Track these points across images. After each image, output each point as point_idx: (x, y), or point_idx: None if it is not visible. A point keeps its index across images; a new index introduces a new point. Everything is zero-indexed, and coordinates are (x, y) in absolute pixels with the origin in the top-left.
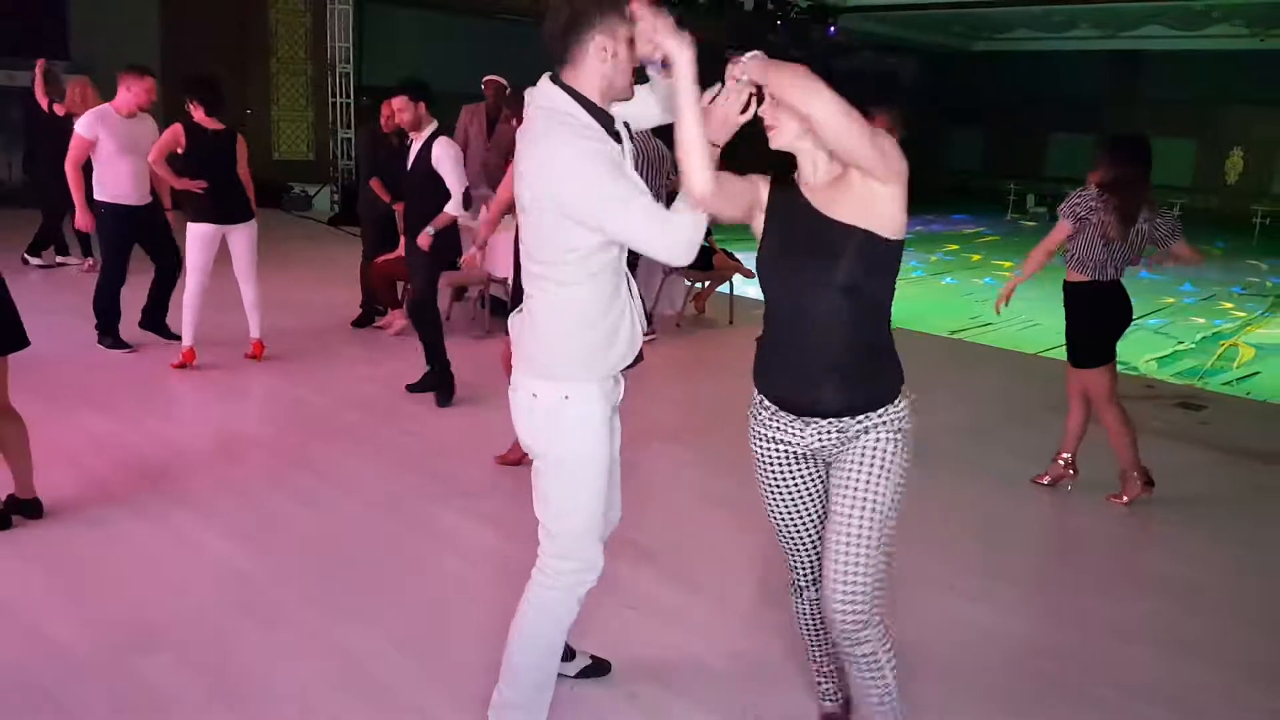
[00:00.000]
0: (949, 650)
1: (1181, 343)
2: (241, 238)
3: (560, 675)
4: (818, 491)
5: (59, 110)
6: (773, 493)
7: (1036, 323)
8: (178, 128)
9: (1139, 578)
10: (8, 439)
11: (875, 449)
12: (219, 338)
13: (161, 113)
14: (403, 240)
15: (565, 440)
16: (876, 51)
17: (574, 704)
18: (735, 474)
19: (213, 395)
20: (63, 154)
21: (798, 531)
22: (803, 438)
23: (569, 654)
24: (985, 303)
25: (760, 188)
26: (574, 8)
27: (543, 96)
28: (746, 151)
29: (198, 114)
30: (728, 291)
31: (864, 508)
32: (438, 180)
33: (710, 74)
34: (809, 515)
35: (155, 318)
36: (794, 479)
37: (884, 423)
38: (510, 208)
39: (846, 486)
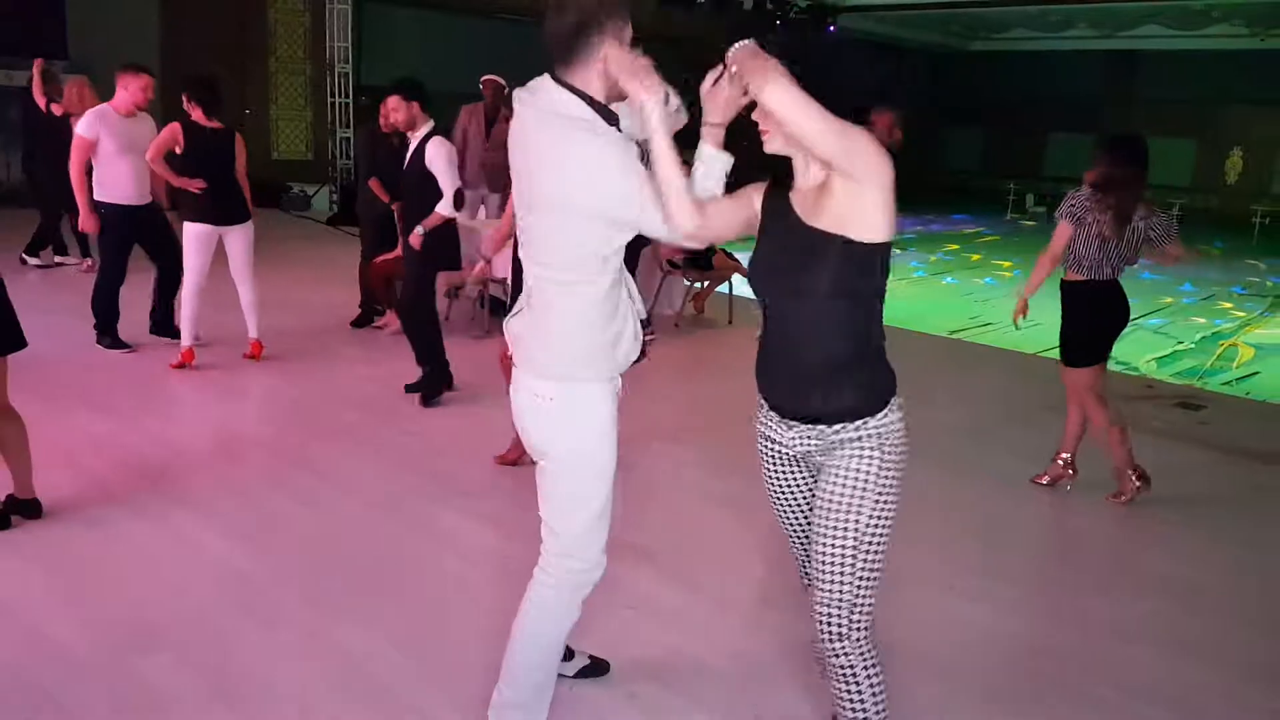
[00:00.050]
0: (948, 650)
1: (1181, 343)
2: (239, 238)
3: (559, 675)
4: (806, 495)
5: (56, 110)
6: (769, 491)
7: (1036, 323)
8: (176, 127)
9: (1138, 577)
10: (7, 439)
11: (856, 463)
12: (218, 338)
13: (160, 112)
14: (401, 240)
15: (575, 440)
16: (853, 47)
17: (573, 704)
18: (735, 474)
19: (212, 395)
20: (61, 154)
21: (792, 531)
22: (789, 440)
23: (568, 654)
24: (985, 303)
25: (755, 199)
26: (583, 10)
27: (549, 99)
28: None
29: (196, 114)
30: (727, 291)
31: (842, 526)
32: (433, 180)
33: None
34: (800, 516)
35: (163, 321)
36: (785, 479)
37: (866, 435)
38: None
39: (826, 503)
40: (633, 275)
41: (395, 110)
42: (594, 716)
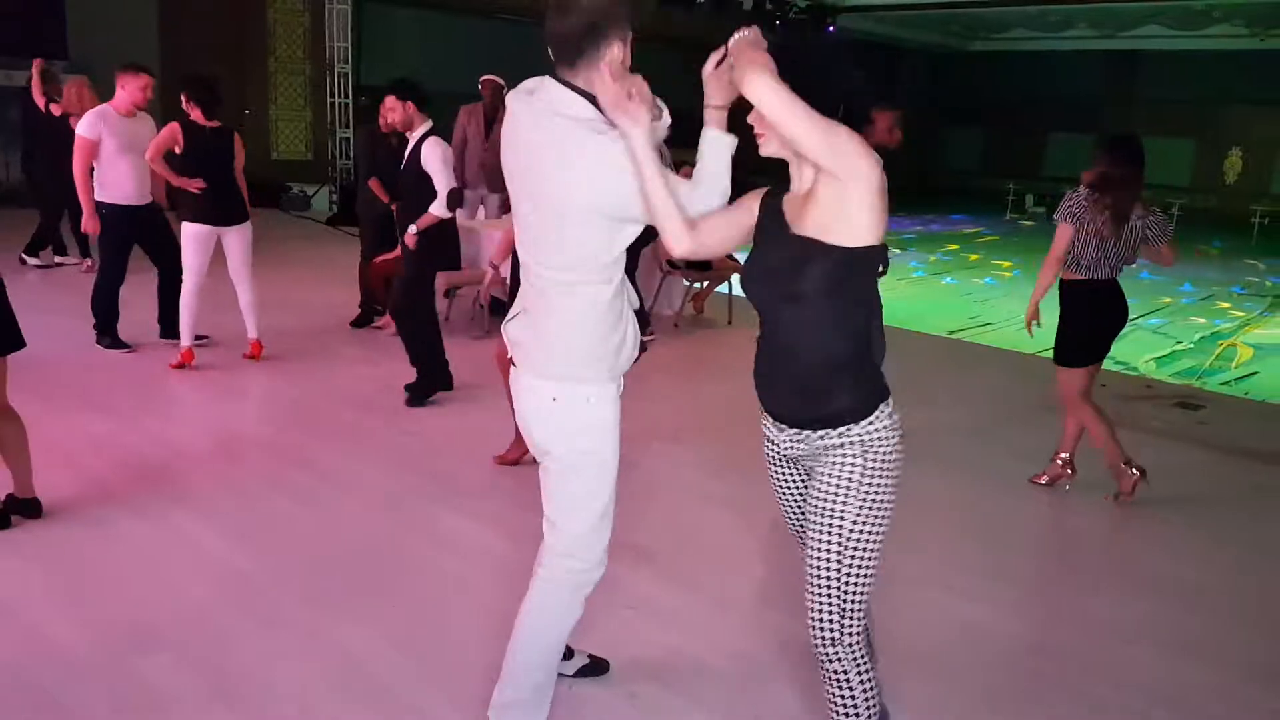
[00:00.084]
0: (947, 649)
1: (1180, 342)
2: (237, 239)
3: (559, 674)
4: (802, 497)
5: (56, 110)
6: (773, 489)
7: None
8: (175, 126)
9: (1137, 577)
10: (6, 439)
11: (839, 469)
12: (217, 338)
13: (160, 112)
14: (400, 240)
15: (584, 441)
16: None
17: (573, 703)
18: (734, 474)
19: (211, 395)
20: (60, 154)
21: (794, 530)
22: (782, 442)
23: (568, 653)
24: (984, 303)
25: (754, 207)
26: (590, 12)
27: (551, 98)
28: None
29: (195, 114)
30: (727, 291)
31: (827, 531)
32: (430, 180)
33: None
34: (798, 516)
35: (174, 323)
36: (784, 480)
37: (849, 441)
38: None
39: (815, 509)
40: (632, 275)
41: (391, 110)
42: (593, 716)
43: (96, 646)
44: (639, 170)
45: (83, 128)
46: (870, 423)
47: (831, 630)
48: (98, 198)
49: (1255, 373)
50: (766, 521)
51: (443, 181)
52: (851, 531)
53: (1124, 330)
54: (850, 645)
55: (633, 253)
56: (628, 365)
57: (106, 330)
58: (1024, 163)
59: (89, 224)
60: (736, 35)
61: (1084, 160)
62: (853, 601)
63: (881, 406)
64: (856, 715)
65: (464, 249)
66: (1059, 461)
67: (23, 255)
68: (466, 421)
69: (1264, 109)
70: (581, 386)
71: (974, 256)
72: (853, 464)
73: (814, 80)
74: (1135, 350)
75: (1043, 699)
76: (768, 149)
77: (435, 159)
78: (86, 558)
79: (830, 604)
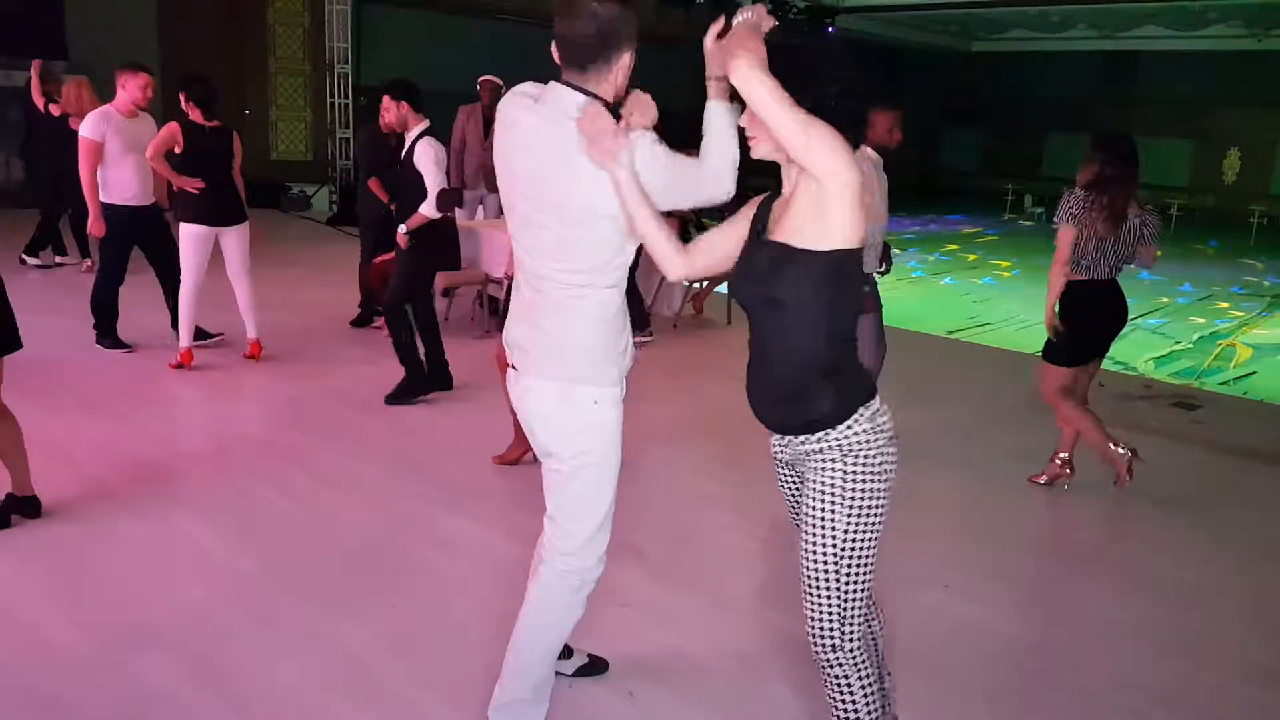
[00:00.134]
0: (947, 649)
1: (1179, 342)
2: (235, 239)
3: (558, 673)
4: (798, 500)
5: (55, 110)
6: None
7: (1035, 322)
8: (175, 126)
9: (1136, 577)
10: (2, 438)
11: (822, 476)
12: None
13: (160, 112)
14: None
15: (591, 443)
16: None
17: (572, 702)
18: (733, 474)
19: (211, 395)
20: (59, 154)
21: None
22: (774, 445)
23: (567, 652)
24: (983, 303)
25: (748, 218)
26: (608, 22)
27: (563, 102)
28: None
29: (194, 114)
30: (726, 292)
31: (820, 540)
32: (424, 180)
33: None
34: (796, 519)
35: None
36: (783, 481)
37: (827, 447)
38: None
39: (805, 516)
40: (632, 275)
41: (386, 111)
42: (592, 714)
43: (96, 646)
44: (624, 204)
45: (86, 129)
46: (848, 427)
47: (832, 637)
48: (102, 199)
49: (1254, 372)
50: (765, 521)
51: (433, 182)
52: (845, 539)
53: (1123, 330)
54: (851, 650)
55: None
56: (630, 366)
57: (107, 331)
58: (1023, 163)
59: (96, 226)
60: (740, 14)
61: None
62: (852, 607)
63: (860, 410)
64: (856, 718)
65: (464, 249)
66: (1058, 461)
67: (23, 255)
68: (466, 421)
69: (1262, 109)
70: (590, 388)
71: (972, 256)
72: (834, 470)
73: (799, 78)
74: (1134, 350)
75: (1043, 699)
76: (759, 151)
77: (427, 159)
78: (86, 558)
79: (830, 611)
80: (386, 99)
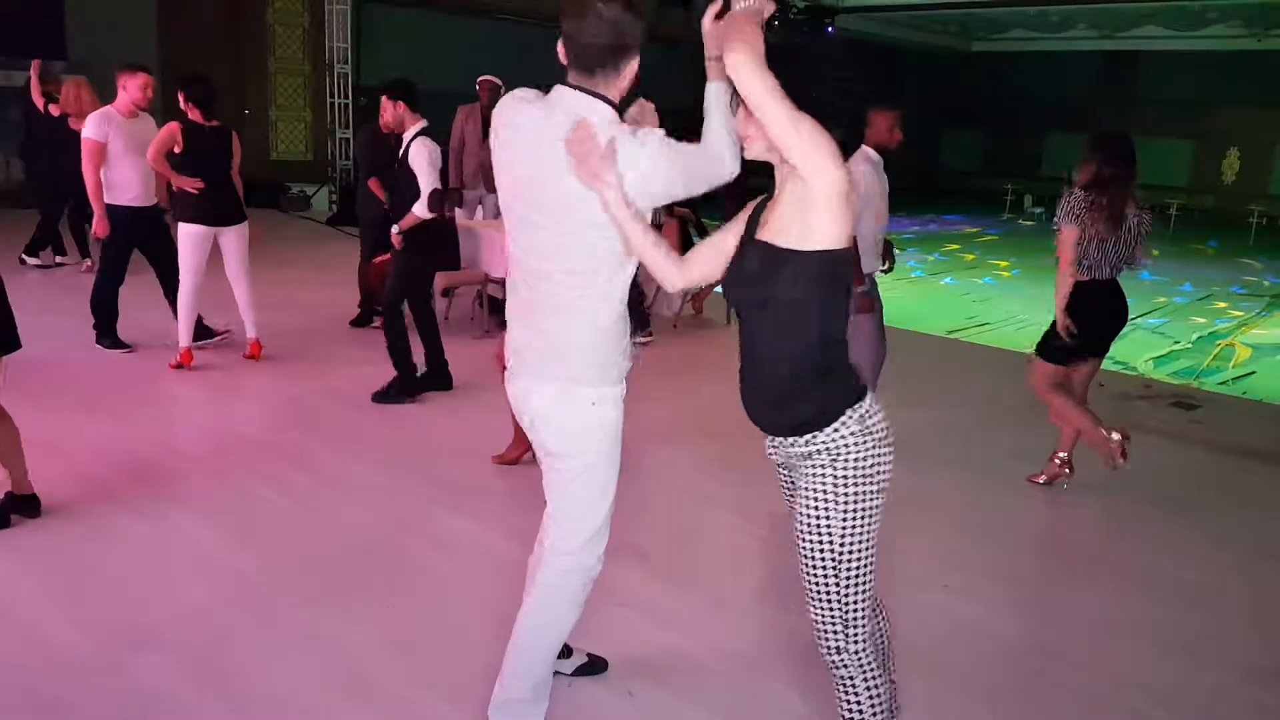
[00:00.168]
0: (947, 649)
1: (1178, 342)
2: (233, 239)
3: (558, 673)
4: (792, 502)
5: (54, 110)
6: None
7: (1034, 322)
8: (174, 126)
9: (1135, 576)
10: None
11: (812, 481)
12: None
13: (160, 112)
14: None
15: (596, 443)
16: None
17: (571, 701)
18: (733, 474)
19: (211, 395)
20: (58, 154)
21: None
22: (767, 446)
23: (566, 651)
24: (983, 303)
25: (742, 222)
26: (625, 32)
27: (578, 106)
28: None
29: (193, 114)
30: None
31: (816, 544)
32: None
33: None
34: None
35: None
36: (781, 482)
37: (815, 450)
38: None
39: (799, 521)
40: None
41: (383, 111)
42: (592, 714)
43: (96, 646)
44: (616, 224)
45: (89, 130)
46: (836, 430)
47: (836, 639)
48: (105, 199)
49: (1253, 372)
50: (765, 521)
51: (426, 182)
52: (839, 544)
53: (1123, 329)
54: (855, 652)
55: None
56: (630, 366)
57: (106, 331)
58: (1022, 163)
59: (101, 227)
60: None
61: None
62: (853, 609)
63: (849, 412)
64: (860, 718)
65: (463, 249)
66: (1057, 461)
67: (23, 255)
68: (466, 421)
69: (1262, 109)
70: (595, 389)
71: (970, 256)
72: (824, 475)
73: (798, 77)
74: (1134, 350)
75: (1043, 699)
76: (753, 151)
77: (420, 159)
78: (86, 558)
79: (832, 614)
80: (384, 99)
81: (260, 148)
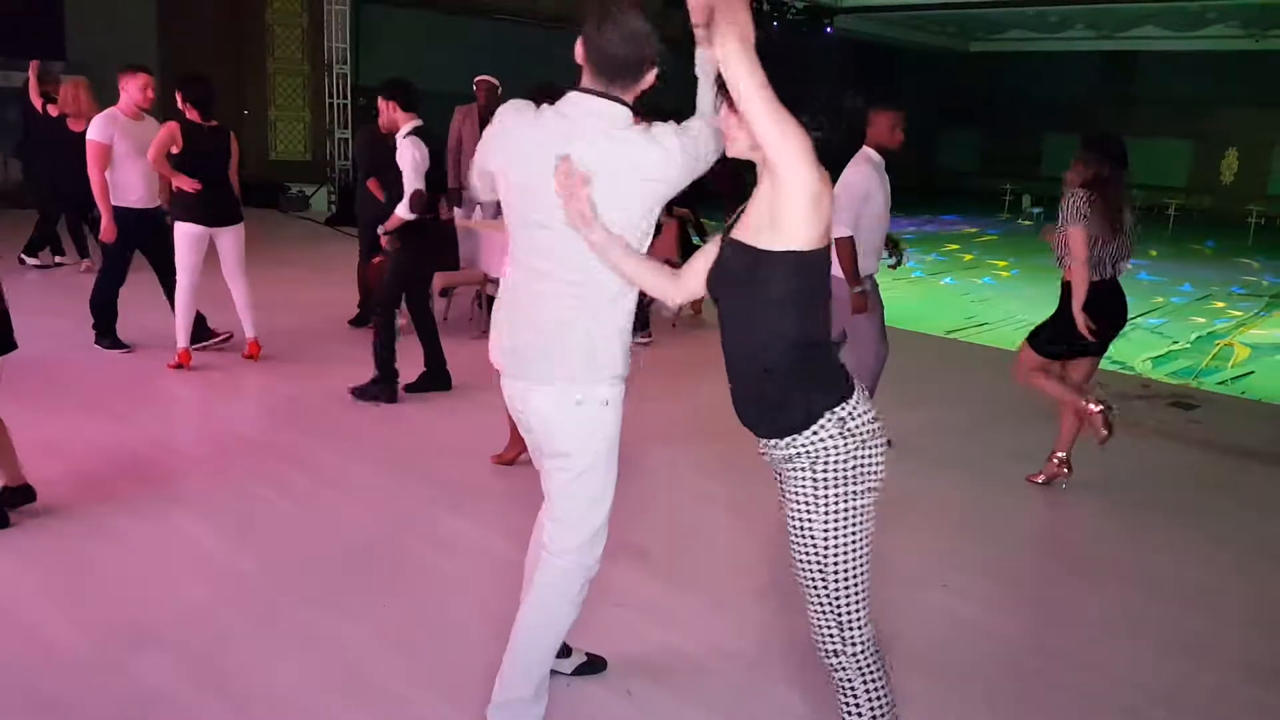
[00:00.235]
0: (947, 649)
1: (1176, 342)
2: (230, 239)
3: (556, 672)
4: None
5: (53, 111)
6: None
7: (1034, 322)
8: (174, 126)
9: (1135, 576)
10: None
11: (794, 484)
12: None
13: (160, 113)
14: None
15: (599, 443)
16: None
17: (570, 701)
18: (732, 474)
19: (210, 395)
20: (57, 154)
21: None
22: (759, 447)
23: (565, 651)
24: (982, 303)
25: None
26: (649, 45)
27: (592, 108)
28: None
29: (192, 115)
30: None
31: (802, 548)
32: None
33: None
34: None
35: (197, 328)
36: (776, 482)
37: (795, 453)
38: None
39: (787, 521)
40: None
41: (380, 111)
42: (591, 713)
43: (96, 646)
44: (606, 260)
45: (94, 132)
46: (814, 432)
47: (832, 641)
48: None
49: (1251, 372)
50: (765, 521)
51: (410, 182)
52: (826, 547)
53: (1123, 329)
54: (854, 655)
55: None
56: (630, 367)
57: (106, 331)
58: (1021, 163)
59: (108, 232)
60: None
61: None
62: (848, 611)
63: (827, 415)
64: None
65: (462, 249)
66: (1055, 461)
67: (21, 256)
68: (465, 421)
69: (1260, 109)
70: (595, 389)
71: (968, 256)
72: (805, 479)
73: (781, 74)
74: (1132, 349)
75: (1043, 699)
76: (735, 149)
77: (406, 159)
78: (86, 558)
79: (827, 617)
80: (379, 100)
81: (259, 148)
